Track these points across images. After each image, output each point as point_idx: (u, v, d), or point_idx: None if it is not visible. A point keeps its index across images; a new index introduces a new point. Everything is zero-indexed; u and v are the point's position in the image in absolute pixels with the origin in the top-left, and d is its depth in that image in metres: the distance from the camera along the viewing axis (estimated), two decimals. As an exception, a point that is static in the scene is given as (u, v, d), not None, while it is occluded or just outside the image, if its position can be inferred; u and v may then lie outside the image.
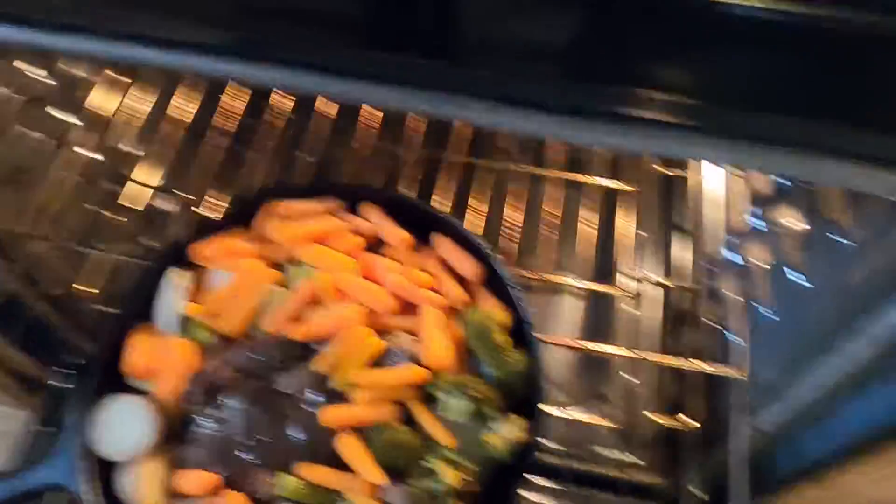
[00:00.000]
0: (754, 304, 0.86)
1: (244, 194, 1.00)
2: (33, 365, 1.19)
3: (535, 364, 0.77)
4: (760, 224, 0.89)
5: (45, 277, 1.05)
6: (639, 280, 1.19)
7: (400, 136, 1.17)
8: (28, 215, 0.97)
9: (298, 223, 0.86)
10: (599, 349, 0.91)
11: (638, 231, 1.18)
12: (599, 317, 1.21)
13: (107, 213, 1.10)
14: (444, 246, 0.85)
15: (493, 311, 0.80)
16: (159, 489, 0.73)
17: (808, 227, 0.75)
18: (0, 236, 0.93)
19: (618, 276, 1.12)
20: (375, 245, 0.87)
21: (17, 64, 0.92)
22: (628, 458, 1.10)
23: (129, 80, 1.11)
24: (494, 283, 0.83)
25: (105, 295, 1.14)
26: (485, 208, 1.12)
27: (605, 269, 1.21)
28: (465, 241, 0.85)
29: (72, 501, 0.72)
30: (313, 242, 0.84)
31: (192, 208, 1.12)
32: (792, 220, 0.76)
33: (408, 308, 0.82)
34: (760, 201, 0.89)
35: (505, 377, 0.77)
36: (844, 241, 0.65)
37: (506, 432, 0.74)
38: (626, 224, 1.19)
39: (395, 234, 0.85)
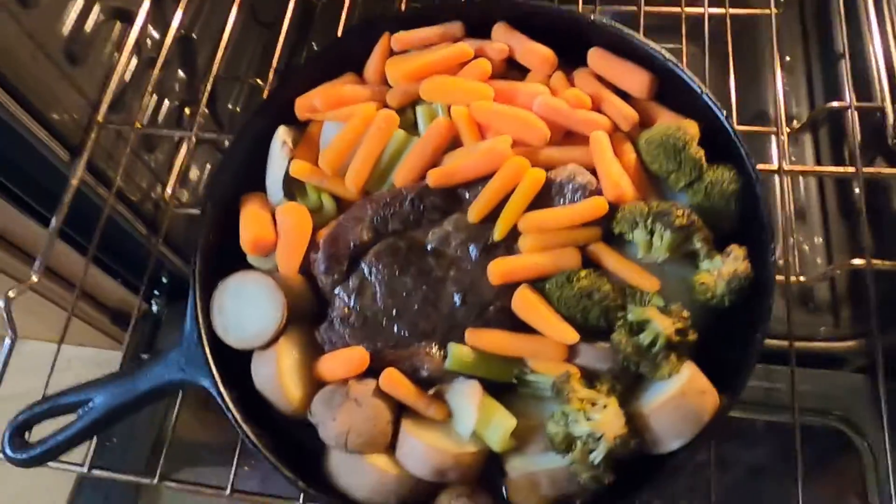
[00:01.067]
0: None
1: (348, 29, 0.83)
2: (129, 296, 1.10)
3: (750, 178, 0.60)
4: None
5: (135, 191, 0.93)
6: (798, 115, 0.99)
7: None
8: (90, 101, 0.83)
9: (416, 56, 0.70)
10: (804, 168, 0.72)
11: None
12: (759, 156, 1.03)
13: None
14: (601, 59, 0.68)
15: (680, 123, 0.62)
16: (299, 377, 0.60)
17: None
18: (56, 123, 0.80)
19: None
20: (508, 72, 0.71)
21: None
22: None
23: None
24: (671, 94, 0.66)
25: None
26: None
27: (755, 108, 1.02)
28: (626, 49, 0.67)
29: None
30: (437, 75, 0.68)
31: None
32: None
33: (567, 137, 0.66)
34: None
35: (708, 201, 0.60)
36: None
37: (723, 268, 0.58)
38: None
39: (537, 52, 0.69)
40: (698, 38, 0.88)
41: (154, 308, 1.11)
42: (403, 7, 0.85)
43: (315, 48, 1.21)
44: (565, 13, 0.69)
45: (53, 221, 0.77)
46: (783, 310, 0.82)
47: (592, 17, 0.69)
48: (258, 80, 1.09)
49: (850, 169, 0.75)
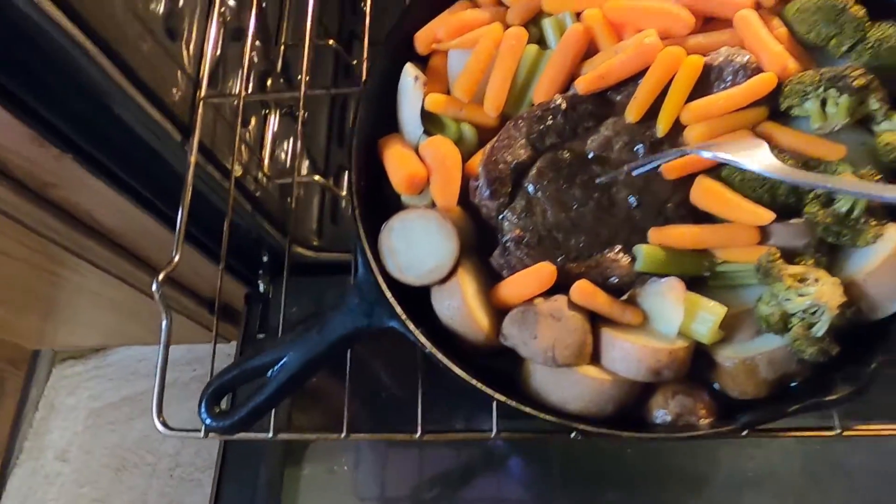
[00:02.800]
0: None
1: None
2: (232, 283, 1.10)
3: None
4: None
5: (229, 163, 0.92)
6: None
7: None
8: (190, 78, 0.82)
9: (532, -33, 0.68)
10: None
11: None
12: None
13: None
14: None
15: (831, -16, 0.60)
16: (483, 305, 0.59)
17: None
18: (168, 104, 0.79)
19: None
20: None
21: None
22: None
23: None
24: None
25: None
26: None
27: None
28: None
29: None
30: (558, -17, 0.66)
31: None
32: None
33: (705, 25, 0.64)
34: None
35: (877, 61, 0.58)
36: None
37: (906, 123, 0.56)
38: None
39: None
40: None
41: (261, 287, 1.11)
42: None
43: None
44: None
45: (182, 207, 0.76)
46: None
47: None
48: (331, 42, 1.07)
49: None
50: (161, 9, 0.77)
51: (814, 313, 0.51)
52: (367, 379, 0.88)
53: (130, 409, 1.67)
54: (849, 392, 0.50)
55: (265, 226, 1.01)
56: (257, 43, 0.98)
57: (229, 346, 1.30)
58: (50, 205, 0.89)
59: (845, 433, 0.57)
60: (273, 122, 1.01)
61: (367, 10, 0.86)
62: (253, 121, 0.98)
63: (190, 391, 1.57)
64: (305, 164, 1.16)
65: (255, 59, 0.98)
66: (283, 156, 1.08)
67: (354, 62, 1.11)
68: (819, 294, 0.51)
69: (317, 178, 0.97)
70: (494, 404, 0.61)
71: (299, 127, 0.87)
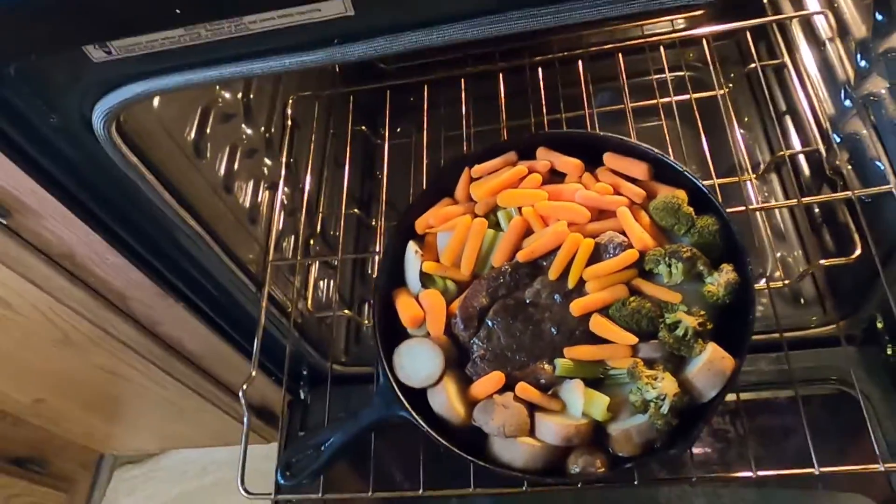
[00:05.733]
0: (886, 125, 0.99)
1: (440, 168, 1.18)
2: (276, 394, 1.41)
3: (725, 220, 0.93)
4: (866, 64, 1.03)
5: (284, 303, 1.27)
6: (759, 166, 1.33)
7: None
8: (261, 245, 1.19)
9: (490, 178, 1.04)
10: (764, 205, 1.05)
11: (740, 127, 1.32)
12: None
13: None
14: (613, 159, 1.02)
15: (674, 192, 0.96)
16: (461, 399, 0.92)
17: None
18: (248, 267, 1.15)
19: (740, 168, 1.27)
20: (551, 180, 1.05)
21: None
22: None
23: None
24: (661, 176, 1.00)
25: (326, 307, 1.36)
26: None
27: (725, 167, 1.34)
28: (628, 150, 1.02)
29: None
30: (506, 189, 1.02)
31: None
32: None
33: (601, 215, 0.99)
34: (862, 44, 1.03)
35: (701, 240, 0.93)
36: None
37: (720, 278, 0.90)
38: (727, 124, 1.33)
39: (569, 163, 1.03)
40: (673, 116, 1.24)
41: (301, 395, 1.42)
42: (472, 148, 1.21)
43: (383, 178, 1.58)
44: (585, 134, 1.05)
45: (257, 339, 1.10)
46: (772, 308, 1.14)
47: (603, 135, 1.04)
48: (355, 210, 1.45)
49: (792, 201, 1.07)
50: (247, 203, 1.15)
51: (661, 400, 0.83)
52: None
53: (184, 506, 1.94)
54: (677, 450, 0.81)
55: (308, 348, 1.35)
56: (304, 216, 1.36)
57: (268, 447, 1.60)
58: (155, 336, 1.23)
59: (694, 479, 0.87)
60: (315, 270, 1.37)
61: (383, 177, 1.26)
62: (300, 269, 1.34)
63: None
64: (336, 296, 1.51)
65: (302, 227, 1.36)
66: (320, 292, 1.44)
67: (373, 221, 1.48)
68: (663, 388, 0.83)
69: (347, 311, 1.31)
70: (471, 467, 0.92)
71: (336, 279, 1.23)
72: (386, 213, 1.24)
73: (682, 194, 0.95)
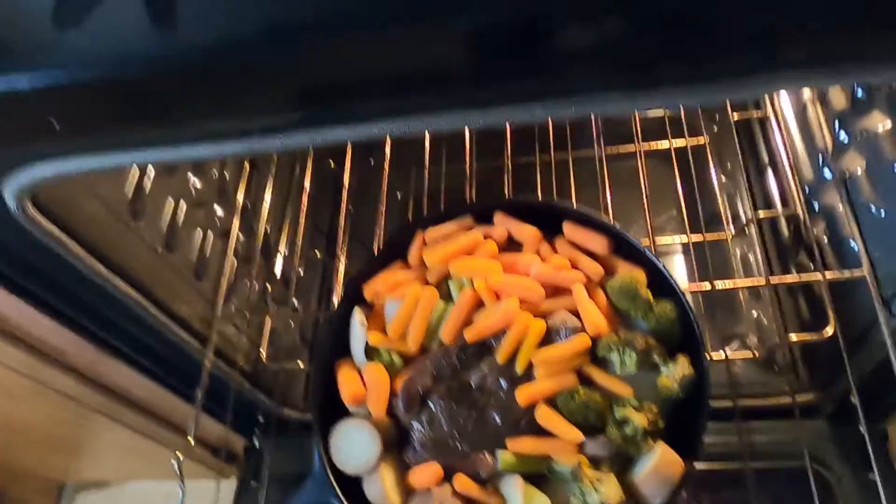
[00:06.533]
0: (862, 206, 0.94)
1: (392, 233, 1.14)
2: (234, 436, 1.37)
3: (685, 307, 0.87)
4: (845, 138, 0.97)
5: (234, 354, 1.22)
6: (740, 219, 1.27)
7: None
8: (207, 299, 1.14)
9: (444, 244, 0.99)
10: (728, 285, 1.00)
11: (721, 176, 1.27)
12: (713, 262, 1.29)
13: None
14: (572, 229, 0.97)
15: (632, 272, 0.91)
16: (398, 489, 0.87)
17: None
18: (192, 325, 1.10)
19: (719, 220, 1.21)
20: (508, 247, 1.00)
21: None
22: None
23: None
24: (622, 250, 0.94)
25: (286, 353, 1.31)
26: (579, 196, 1.23)
27: (704, 218, 1.29)
28: (589, 221, 0.96)
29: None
30: (460, 256, 0.97)
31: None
32: (877, 122, 0.84)
33: (556, 290, 0.94)
34: (841, 117, 0.97)
35: (658, 327, 0.88)
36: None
37: (675, 372, 0.84)
38: (707, 174, 1.28)
39: (526, 231, 0.98)
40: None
41: (256, 443, 1.38)
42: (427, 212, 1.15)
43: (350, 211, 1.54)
44: (544, 203, 1.00)
45: (199, 395, 1.05)
46: (757, 375, 1.09)
47: (562, 204, 0.98)
48: (315, 252, 1.40)
49: (761, 280, 1.02)
50: (193, 257, 1.10)
51: (604, 505, 0.78)
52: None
53: (142, 537, 1.90)
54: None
55: (261, 396, 1.30)
56: (258, 261, 1.31)
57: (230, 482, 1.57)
58: (100, 387, 1.19)
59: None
60: (271, 318, 1.32)
61: (341, 214, 1.20)
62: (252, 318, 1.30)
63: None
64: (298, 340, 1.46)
65: (256, 272, 1.31)
66: (278, 337, 1.39)
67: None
68: (605, 493, 0.78)
69: (300, 363, 1.26)
70: (406, 560, 0.87)
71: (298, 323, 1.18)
72: (351, 252, 1.19)
73: (639, 276, 0.90)
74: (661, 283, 0.90)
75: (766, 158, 1.34)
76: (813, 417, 1.19)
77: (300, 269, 1.44)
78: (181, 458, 1.00)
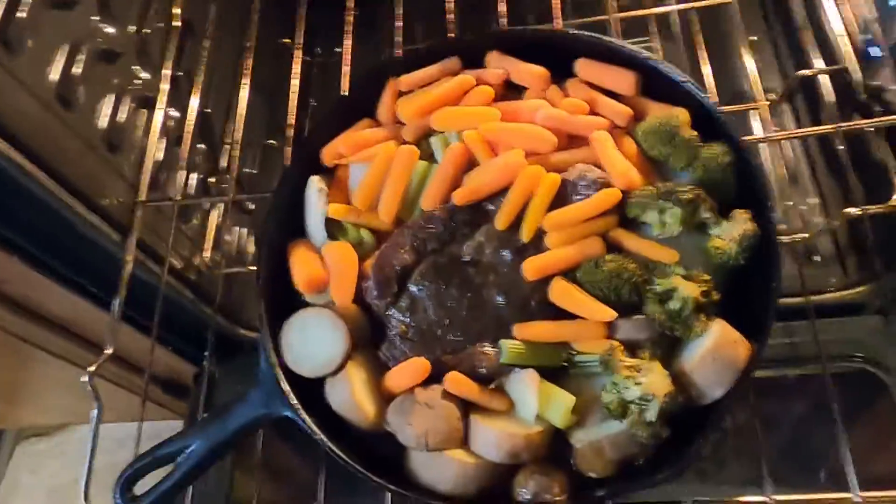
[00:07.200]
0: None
1: (355, 80, 0.90)
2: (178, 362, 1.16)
3: (741, 150, 0.67)
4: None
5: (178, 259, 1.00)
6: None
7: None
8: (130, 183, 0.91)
9: (423, 93, 0.77)
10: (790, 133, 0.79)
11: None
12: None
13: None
14: (588, 67, 0.75)
15: (669, 112, 0.70)
16: (371, 393, 0.66)
17: None
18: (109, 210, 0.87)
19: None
20: (507, 95, 0.78)
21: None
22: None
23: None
24: (657, 88, 0.73)
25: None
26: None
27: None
28: (608, 54, 0.74)
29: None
30: (445, 107, 0.75)
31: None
32: None
33: (571, 141, 0.73)
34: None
35: (706, 176, 0.67)
36: None
37: (731, 230, 0.64)
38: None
39: (530, 71, 0.76)
40: (667, 34, 0.96)
41: (206, 368, 1.17)
42: (401, 52, 0.92)
43: (314, 104, 1.30)
44: (548, 32, 0.77)
45: (117, 300, 0.84)
46: (794, 268, 0.89)
47: (572, 31, 0.76)
48: (271, 141, 1.17)
49: (829, 127, 0.82)
50: (103, 125, 0.86)
51: (646, 402, 0.59)
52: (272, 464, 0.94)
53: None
54: (667, 474, 0.57)
55: (207, 311, 1.08)
56: (201, 146, 1.08)
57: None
58: (2, 298, 0.96)
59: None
60: (218, 216, 1.09)
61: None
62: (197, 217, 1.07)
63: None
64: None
65: (198, 161, 1.07)
66: (235, 243, 1.17)
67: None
68: (648, 384, 0.59)
69: (251, 267, 1.04)
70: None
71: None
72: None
73: (682, 114, 0.69)
74: (705, 128, 0.69)
75: (798, 18, 1.13)
76: (861, 314, 1.01)
77: (253, 164, 1.21)
78: (93, 371, 0.78)
